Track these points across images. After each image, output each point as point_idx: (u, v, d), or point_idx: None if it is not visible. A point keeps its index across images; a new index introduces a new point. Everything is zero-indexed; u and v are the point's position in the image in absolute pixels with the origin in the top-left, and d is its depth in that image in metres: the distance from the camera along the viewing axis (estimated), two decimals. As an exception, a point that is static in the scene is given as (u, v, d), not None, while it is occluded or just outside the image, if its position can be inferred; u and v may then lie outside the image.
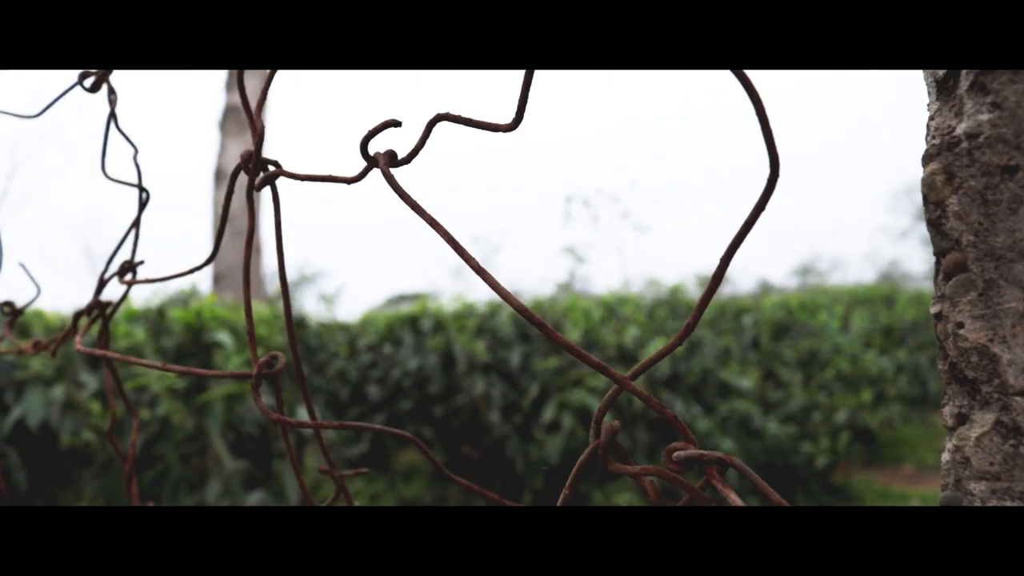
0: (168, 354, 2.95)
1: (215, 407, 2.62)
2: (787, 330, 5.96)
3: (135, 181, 0.79)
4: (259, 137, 0.55)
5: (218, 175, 6.24)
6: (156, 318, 3.09)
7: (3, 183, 31.79)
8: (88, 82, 0.77)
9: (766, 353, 5.47)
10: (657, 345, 4.26)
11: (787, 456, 4.78)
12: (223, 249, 5.89)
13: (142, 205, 0.79)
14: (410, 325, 4.18)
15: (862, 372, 5.31)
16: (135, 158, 0.81)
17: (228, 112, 6.27)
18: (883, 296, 7.89)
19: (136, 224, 0.78)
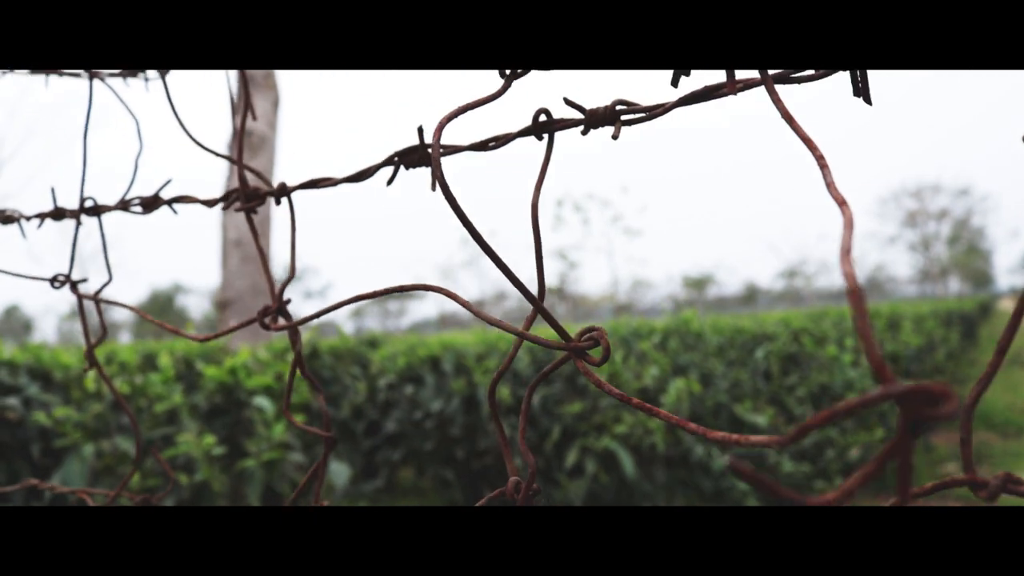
0: (200, 412, 2.91)
1: (254, 473, 2.58)
2: (797, 362, 5.98)
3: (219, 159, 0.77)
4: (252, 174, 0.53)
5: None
6: (185, 371, 3.04)
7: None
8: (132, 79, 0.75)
9: (777, 387, 5.49)
10: (678, 386, 4.26)
11: (801, 493, 4.79)
12: (232, 274, 5.83)
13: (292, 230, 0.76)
14: (431, 365, 4.16)
15: (873, 409, 5.33)
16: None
17: (236, 135, 6.21)
18: (887, 319, 7.94)
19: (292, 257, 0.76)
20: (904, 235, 48.11)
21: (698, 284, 64.88)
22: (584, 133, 0.59)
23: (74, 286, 0.90)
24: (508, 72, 0.55)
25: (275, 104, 6.37)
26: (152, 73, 0.97)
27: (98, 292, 0.89)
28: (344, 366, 4.86)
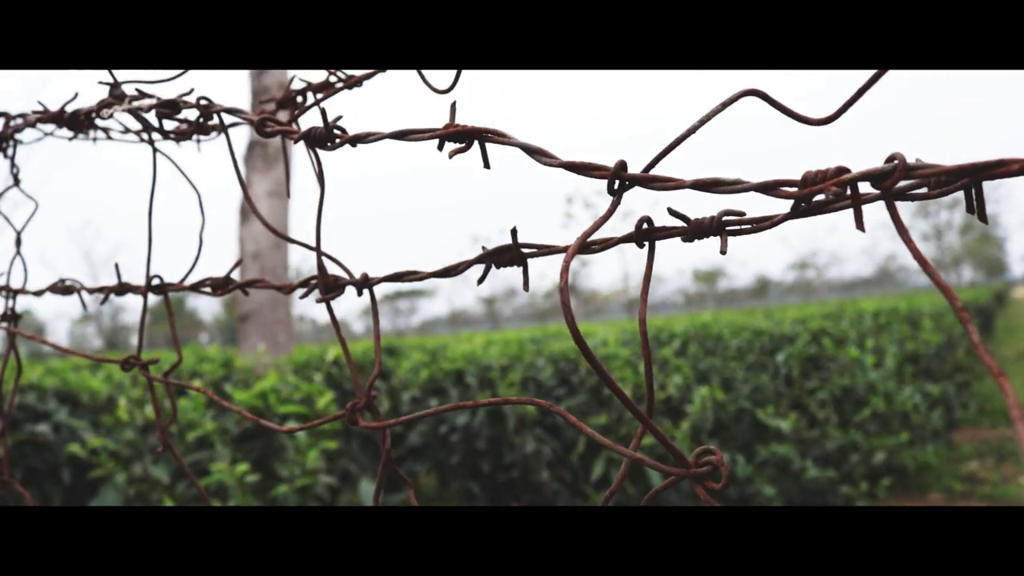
0: (230, 436, 2.91)
1: (287, 499, 2.58)
2: (818, 365, 5.94)
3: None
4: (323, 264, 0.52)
5: (243, 211, 6.18)
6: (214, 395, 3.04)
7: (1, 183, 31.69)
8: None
9: (799, 390, 5.46)
10: (702, 393, 4.24)
11: (825, 498, 4.77)
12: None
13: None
14: (455, 379, 4.15)
15: (897, 410, 5.30)
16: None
17: (252, 146, 6.21)
18: (906, 316, 7.88)
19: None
20: (916, 225, 47.81)
21: (708, 277, 64.68)
22: (687, 241, 0.58)
23: (145, 368, 0.89)
24: (617, 186, 0.54)
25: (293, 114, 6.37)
26: (120, 107, 0.94)
27: (168, 373, 0.88)
28: (363, 377, 4.87)
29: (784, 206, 0.49)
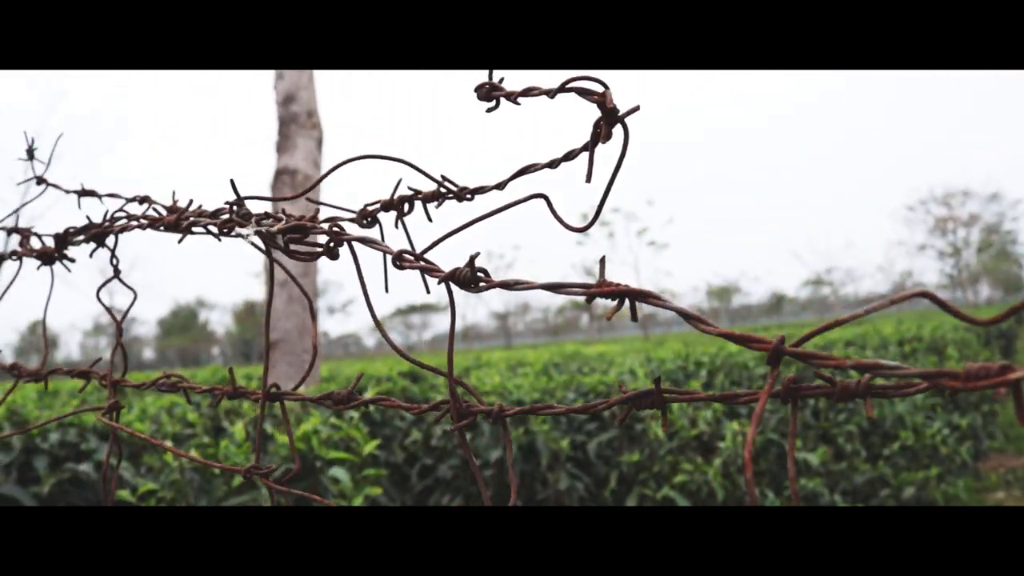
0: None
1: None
2: (845, 395, 5.92)
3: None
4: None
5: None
6: (256, 435, 3.08)
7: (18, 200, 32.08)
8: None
9: (826, 423, 5.44)
10: (733, 428, 4.24)
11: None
12: (278, 315, 5.89)
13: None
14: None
15: (926, 444, 5.27)
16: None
17: (279, 175, 6.28)
18: (928, 344, 7.84)
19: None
20: (933, 243, 47.55)
21: (722, 294, 64.46)
22: (833, 401, 0.60)
23: (266, 477, 0.91)
24: (775, 358, 0.56)
25: (319, 143, 6.43)
26: (247, 230, 0.94)
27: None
28: (395, 409, 4.89)
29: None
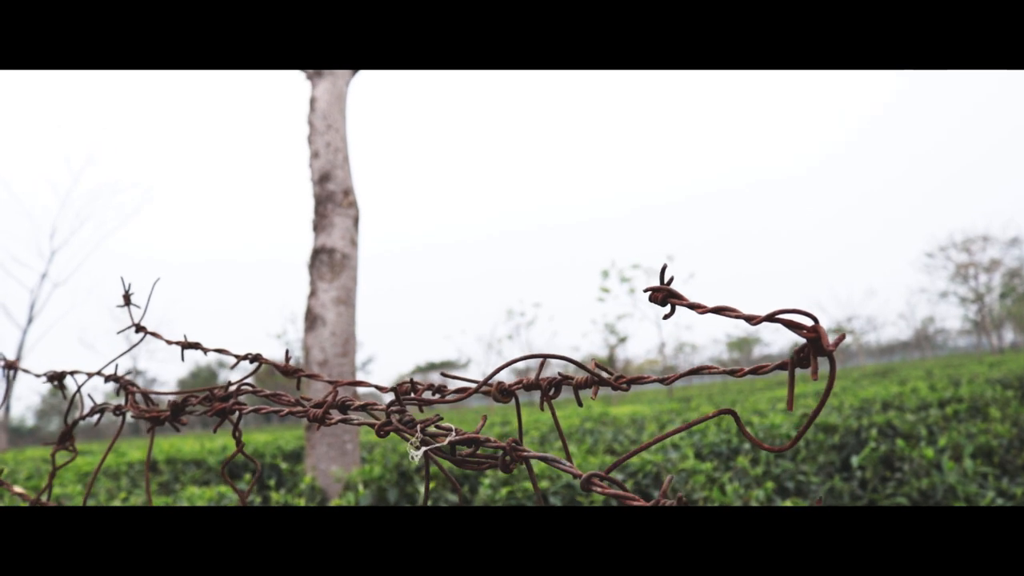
0: None
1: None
2: (891, 465, 5.82)
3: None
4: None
5: (308, 316, 6.28)
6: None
7: (44, 265, 32.46)
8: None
9: (875, 495, 5.33)
10: (735, 489, 4.16)
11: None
12: (313, 351, 5.88)
13: None
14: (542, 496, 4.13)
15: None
16: None
17: (317, 254, 6.36)
18: (969, 406, 7.71)
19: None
20: (955, 289, 47.12)
21: (742, 345, 63.82)
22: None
23: None
24: None
25: (355, 221, 6.52)
26: (416, 452, 0.96)
27: None
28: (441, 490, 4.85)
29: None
